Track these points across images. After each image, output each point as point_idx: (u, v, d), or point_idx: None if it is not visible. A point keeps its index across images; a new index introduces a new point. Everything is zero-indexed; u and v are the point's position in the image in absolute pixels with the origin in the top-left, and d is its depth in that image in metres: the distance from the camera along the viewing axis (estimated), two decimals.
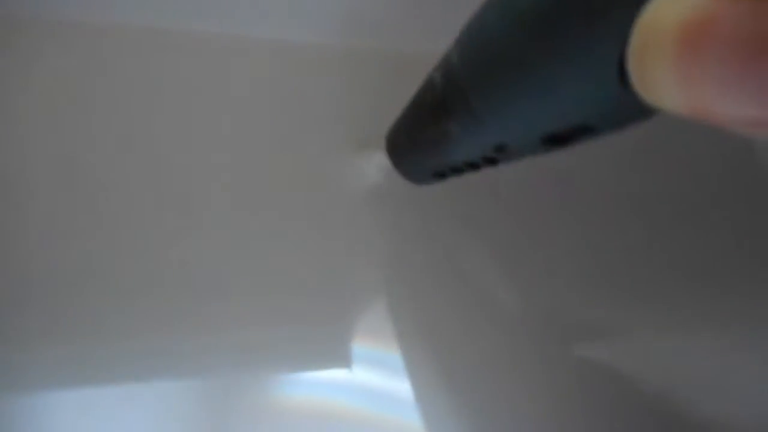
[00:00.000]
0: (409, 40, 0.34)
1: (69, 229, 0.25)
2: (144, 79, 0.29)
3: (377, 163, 0.29)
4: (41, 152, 0.26)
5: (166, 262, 0.26)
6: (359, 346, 0.28)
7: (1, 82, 0.27)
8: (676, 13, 0.09)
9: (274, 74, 0.31)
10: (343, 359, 0.27)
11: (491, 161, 0.20)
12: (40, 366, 0.24)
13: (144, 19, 0.30)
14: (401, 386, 0.28)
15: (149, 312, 0.25)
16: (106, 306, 0.25)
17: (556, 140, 0.17)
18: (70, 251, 0.25)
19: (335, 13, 0.34)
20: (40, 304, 0.24)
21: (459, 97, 0.19)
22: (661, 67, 0.10)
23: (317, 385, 0.27)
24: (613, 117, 0.16)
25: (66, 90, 0.27)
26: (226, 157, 0.29)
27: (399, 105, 0.26)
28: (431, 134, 0.21)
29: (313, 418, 0.26)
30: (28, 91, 0.27)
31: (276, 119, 0.30)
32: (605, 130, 0.17)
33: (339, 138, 0.31)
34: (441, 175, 0.24)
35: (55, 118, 0.27)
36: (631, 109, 0.14)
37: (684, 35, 0.09)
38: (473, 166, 0.21)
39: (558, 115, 0.17)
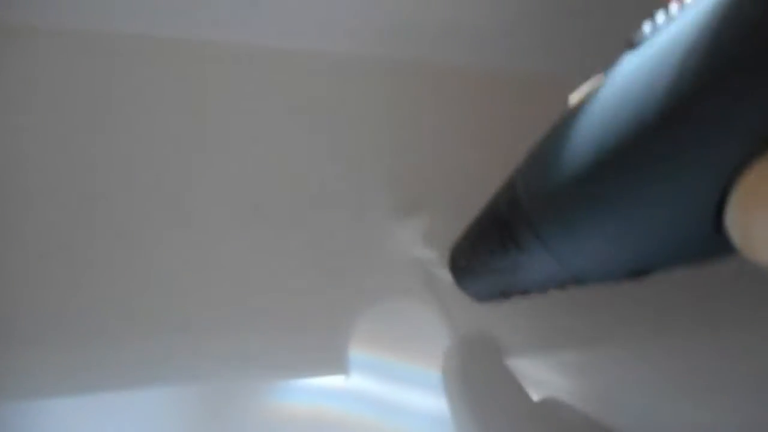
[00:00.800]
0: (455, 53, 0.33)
1: (66, 236, 0.25)
2: (196, 90, 0.29)
3: (414, 228, 0.29)
4: (43, 158, 0.26)
5: (162, 270, 0.26)
6: (355, 353, 0.27)
7: (3, 90, 0.27)
8: None
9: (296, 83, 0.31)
10: (339, 366, 0.27)
11: (562, 287, 0.19)
12: (37, 373, 0.24)
13: (183, 31, 0.30)
14: (397, 393, 0.27)
15: (145, 319, 0.25)
16: (102, 313, 0.25)
17: (639, 274, 0.16)
18: (66, 259, 0.25)
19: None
20: (37, 311, 0.24)
21: (531, 233, 0.18)
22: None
23: (313, 392, 0.27)
24: (704, 257, 0.14)
25: (83, 98, 0.27)
26: (227, 167, 0.29)
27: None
28: (501, 265, 0.20)
29: (310, 425, 0.26)
30: (32, 99, 0.27)
31: (286, 128, 0.30)
32: (692, 266, 0.15)
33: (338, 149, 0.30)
34: (507, 295, 0.23)
35: (66, 124, 0.27)
36: (724, 251, 0.13)
37: None
38: (543, 290, 0.20)
39: (645, 256, 0.15)
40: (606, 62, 0.15)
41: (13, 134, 0.27)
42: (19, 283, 0.25)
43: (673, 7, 0.13)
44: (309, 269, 0.28)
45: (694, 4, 0.12)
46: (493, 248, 0.20)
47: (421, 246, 0.29)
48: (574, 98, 0.16)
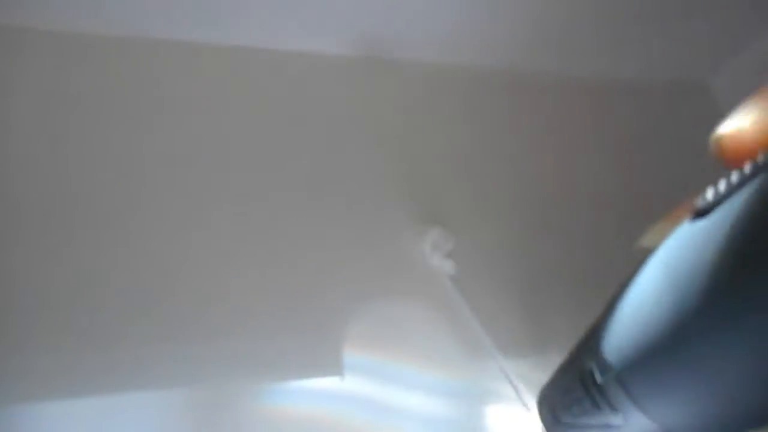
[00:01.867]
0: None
1: (61, 238, 0.25)
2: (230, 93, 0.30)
3: (432, 240, 0.29)
4: (41, 160, 0.27)
5: (156, 273, 0.26)
6: (350, 354, 0.27)
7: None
8: None
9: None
10: (333, 368, 0.27)
11: None
12: (36, 375, 0.24)
13: (186, 34, 0.31)
14: (391, 394, 0.28)
15: (140, 322, 0.25)
16: (96, 316, 0.25)
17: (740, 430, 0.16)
18: (61, 262, 0.25)
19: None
20: (35, 314, 0.24)
21: (624, 393, 0.18)
22: None
23: (308, 394, 0.27)
24: None
25: (87, 101, 0.28)
26: (221, 169, 0.29)
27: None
28: (593, 422, 0.20)
29: (304, 427, 0.26)
30: (29, 100, 0.27)
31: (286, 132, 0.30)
32: None
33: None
34: None
35: (64, 128, 0.27)
36: None
37: None
38: None
39: (741, 413, 0.15)
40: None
41: (13, 134, 0.27)
42: (15, 287, 0.24)
43: (734, 176, 0.15)
44: (303, 271, 0.28)
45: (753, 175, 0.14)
46: (586, 408, 0.20)
47: (439, 257, 0.29)
48: (645, 241, 0.17)
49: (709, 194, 0.15)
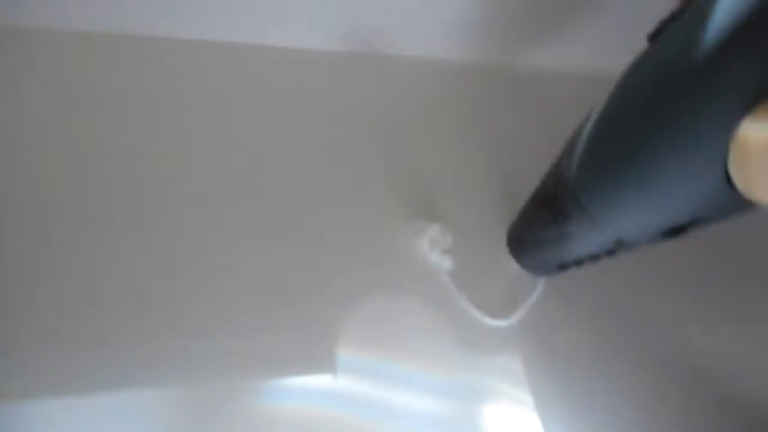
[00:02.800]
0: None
1: (59, 237, 0.26)
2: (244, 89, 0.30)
3: (431, 238, 0.30)
4: (42, 159, 0.27)
5: (152, 271, 0.26)
6: (343, 353, 0.27)
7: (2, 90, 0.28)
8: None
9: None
10: (327, 365, 0.27)
11: (612, 252, 0.21)
12: (29, 373, 0.23)
13: (184, 31, 0.31)
14: (385, 393, 0.27)
15: (134, 320, 0.25)
16: (93, 314, 0.25)
17: (673, 232, 0.18)
18: (58, 260, 0.25)
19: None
20: (29, 312, 0.24)
21: (575, 203, 0.20)
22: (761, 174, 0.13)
23: (302, 393, 0.26)
24: (722, 209, 0.17)
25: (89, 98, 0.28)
26: (219, 167, 0.29)
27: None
28: (552, 236, 0.23)
29: (298, 425, 0.25)
30: (31, 99, 0.28)
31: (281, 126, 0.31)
32: (716, 220, 0.18)
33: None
34: (563, 267, 0.25)
35: (65, 123, 0.28)
36: (737, 203, 0.15)
37: None
38: (594, 257, 0.22)
39: (672, 212, 0.18)
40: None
41: (12, 134, 0.27)
42: (10, 286, 0.24)
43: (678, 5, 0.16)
44: (297, 269, 0.28)
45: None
46: (544, 221, 0.23)
47: (436, 254, 0.30)
48: None
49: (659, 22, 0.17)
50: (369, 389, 0.27)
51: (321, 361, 0.27)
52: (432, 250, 0.30)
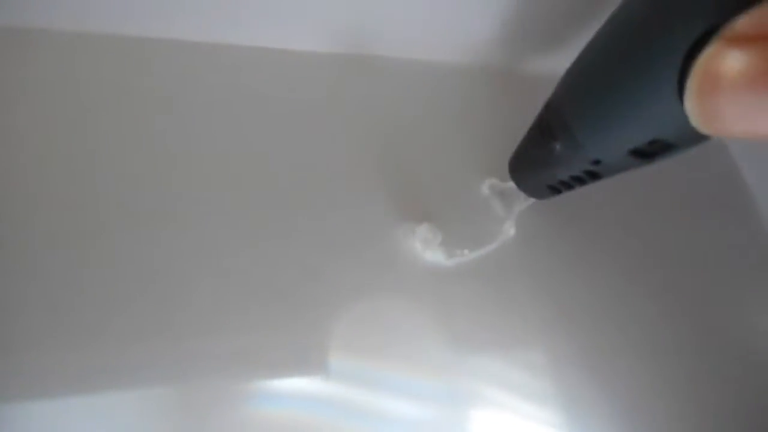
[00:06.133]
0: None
1: (47, 237, 0.26)
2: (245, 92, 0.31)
3: (422, 237, 0.31)
4: (40, 158, 0.27)
5: (142, 270, 0.26)
6: (335, 358, 0.27)
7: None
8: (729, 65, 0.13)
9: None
10: (318, 367, 0.27)
11: (593, 175, 0.23)
12: (16, 375, 0.23)
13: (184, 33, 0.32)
14: (378, 397, 0.27)
15: (121, 320, 0.25)
16: (76, 314, 0.25)
17: (642, 154, 0.20)
18: (49, 260, 0.25)
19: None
20: (15, 313, 0.24)
21: (560, 122, 0.23)
22: (713, 104, 0.14)
23: (294, 397, 0.26)
24: (682, 134, 0.19)
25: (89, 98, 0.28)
26: (213, 167, 0.30)
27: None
28: (541, 153, 0.26)
29: (290, 427, 0.25)
30: (29, 100, 0.28)
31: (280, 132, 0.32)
32: (681, 146, 0.19)
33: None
34: (555, 189, 0.27)
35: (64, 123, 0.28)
36: (689, 127, 0.16)
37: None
38: (579, 180, 0.24)
39: (636, 131, 0.20)
40: None
41: (11, 133, 0.27)
42: (5, 285, 0.24)
43: None
44: (288, 269, 0.28)
45: None
46: (535, 141, 0.26)
47: (432, 250, 0.31)
48: None
49: None
50: (362, 392, 0.27)
51: (313, 362, 0.27)
52: (425, 248, 0.31)
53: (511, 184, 0.31)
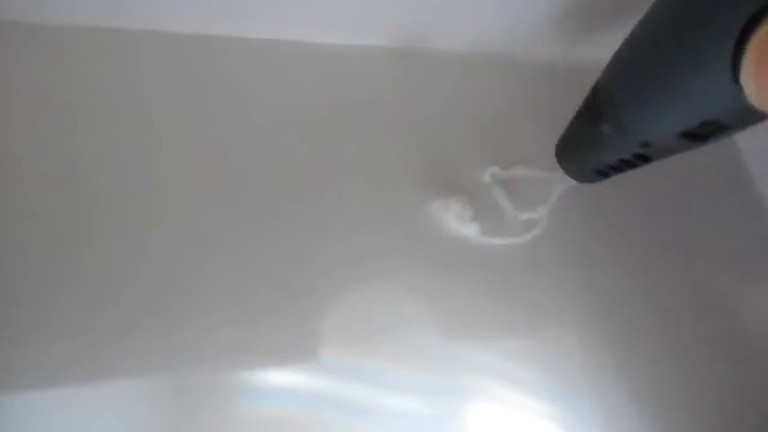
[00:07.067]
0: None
1: (40, 229, 0.25)
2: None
3: (455, 213, 0.32)
4: (39, 153, 0.27)
5: (135, 262, 0.26)
6: (325, 352, 0.27)
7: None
8: None
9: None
10: (309, 353, 0.27)
11: (642, 158, 0.23)
12: (11, 365, 0.23)
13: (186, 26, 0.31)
14: (364, 393, 0.27)
15: (118, 310, 0.25)
16: (67, 305, 0.24)
17: (694, 136, 0.20)
18: (44, 252, 0.25)
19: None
20: (7, 305, 0.24)
21: (608, 104, 0.23)
22: None
23: (285, 388, 0.26)
24: (735, 114, 0.18)
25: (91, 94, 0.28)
26: (210, 159, 0.29)
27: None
28: (589, 136, 0.25)
29: (281, 426, 0.25)
30: (29, 96, 0.27)
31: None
32: (734, 127, 0.19)
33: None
34: (603, 173, 0.27)
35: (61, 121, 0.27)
36: (744, 108, 0.17)
37: None
38: (628, 163, 0.24)
39: (687, 112, 0.20)
40: None
41: (10, 129, 0.27)
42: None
43: None
44: (281, 258, 0.28)
45: None
46: (584, 126, 0.26)
47: (460, 223, 0.32)
48: None
49: None
50: (350, 389, 0.27)
51: (308, 352, 0.27)
52: (459, 222, 0.32)
53: (513, 173, 0.31)
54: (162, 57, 0.30)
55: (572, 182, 0.30)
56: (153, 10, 0.29)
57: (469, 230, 0.32)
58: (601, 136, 0.24)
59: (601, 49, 0.24)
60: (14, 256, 0.25)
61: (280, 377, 0.26)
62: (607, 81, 0.23)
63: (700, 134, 0.20)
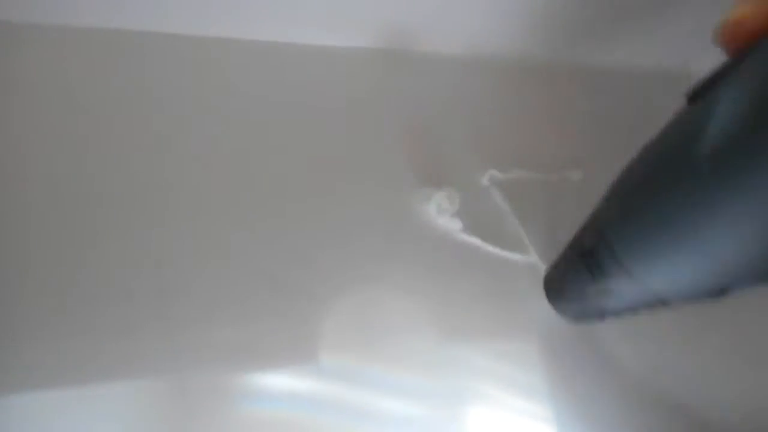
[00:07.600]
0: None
1: (45, 228, 0.25)
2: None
3: (437, 203, 0.30)
4: (40, 153, 0.27)
5: (135, 262, 0.26)
6: (325, 356, 0.27)
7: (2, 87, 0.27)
8: None
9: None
10: (310, 355, 0.27)
11: (653, 307, 0.20)
12: (9, 367, 0.23)
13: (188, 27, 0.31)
14: (364, 396, 0.28)
15: (118, 310, 0.25)
16: (68, 306, 0.24)
17: (720, 293, 0.17)
18: (43, 252, 0.25)
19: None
20: (10, 305, 0.24)
21: (614, 261, 0.19)
22: None
23: (284, 390, 0.26)
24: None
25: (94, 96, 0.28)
26: (209, 161, 0.29)
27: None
28: (592, 291, 0.22)
29: (281, 421, 0.26)
30: (30, 96, 0.27)
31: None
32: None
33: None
34: (602, 318, 0.24)
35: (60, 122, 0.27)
36: None
37: None
38: (634, 310, 0.21)
39: (722, 274, 0.17)
40: None
41: (12, 130, 0.27)
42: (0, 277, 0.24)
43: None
44: (282, 259, 0.28)
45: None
46: (581, 277, 0.21)
47: (447, 217, 0.29)
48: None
49: (700, 81, 0.16)
50: (361, 388, 0.27)
51: (308, 353, 0.27)
52: (440, 214, 0.29)
53: (511, 176, 0.29)
54: (162, 58, 0.31)
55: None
56: (153, 11, 0.30)
57: (451, 225, 0.29)
58: (608, 294, 0.20)
59: (598, 51, 0.24)
60: (14, 256, 0.25)
61: (279, 380, 0.27)
62: (610, 236, 0.19)
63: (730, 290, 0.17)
